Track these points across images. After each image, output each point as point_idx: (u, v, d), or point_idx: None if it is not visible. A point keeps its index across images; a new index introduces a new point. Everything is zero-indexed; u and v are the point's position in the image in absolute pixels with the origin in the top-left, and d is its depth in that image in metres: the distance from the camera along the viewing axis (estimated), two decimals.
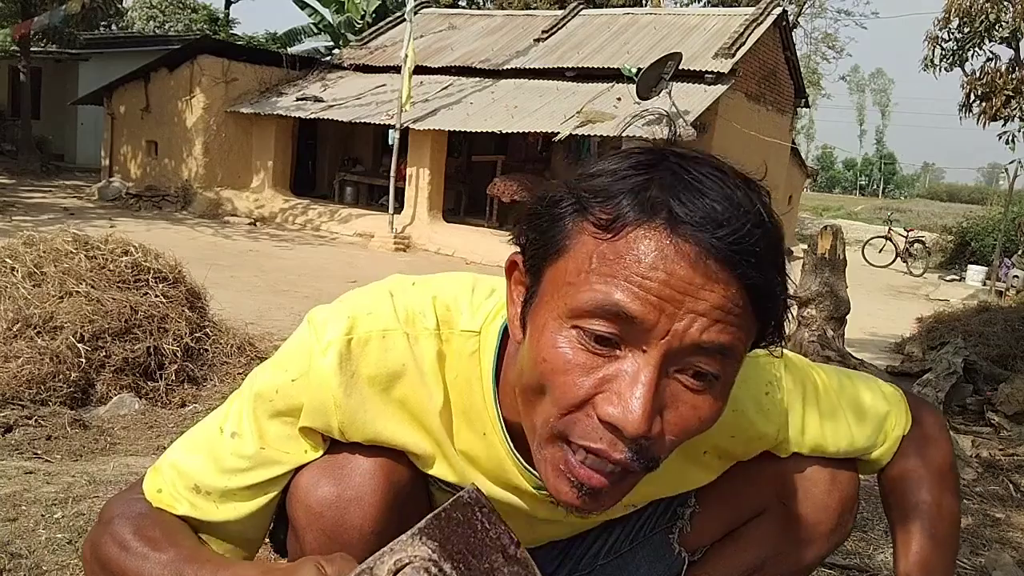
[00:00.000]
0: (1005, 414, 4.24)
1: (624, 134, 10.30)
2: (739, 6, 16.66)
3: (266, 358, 1.03)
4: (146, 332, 3.46)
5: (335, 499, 0.90)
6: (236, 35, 23.97)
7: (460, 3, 21.37)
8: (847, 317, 5.24)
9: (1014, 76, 9.22)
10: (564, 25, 14.15)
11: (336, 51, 17.94)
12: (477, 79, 13.23)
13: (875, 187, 59.14)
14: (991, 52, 9.54)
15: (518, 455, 0.91)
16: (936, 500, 1.06)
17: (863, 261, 16.15)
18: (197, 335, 3.65)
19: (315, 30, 20.82)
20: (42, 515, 1.89)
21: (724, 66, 11.60)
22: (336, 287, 7.12)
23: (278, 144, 13.63)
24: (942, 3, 9.44)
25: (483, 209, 12.87)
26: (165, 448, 1.11)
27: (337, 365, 0.87)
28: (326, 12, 19.91)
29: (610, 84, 11.99)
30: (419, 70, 12.35)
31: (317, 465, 0.92)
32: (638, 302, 0.69)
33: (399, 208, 12.17)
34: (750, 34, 12.41)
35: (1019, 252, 14.86)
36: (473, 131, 11.73)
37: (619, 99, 11.44)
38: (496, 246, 10.31)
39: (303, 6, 19.95)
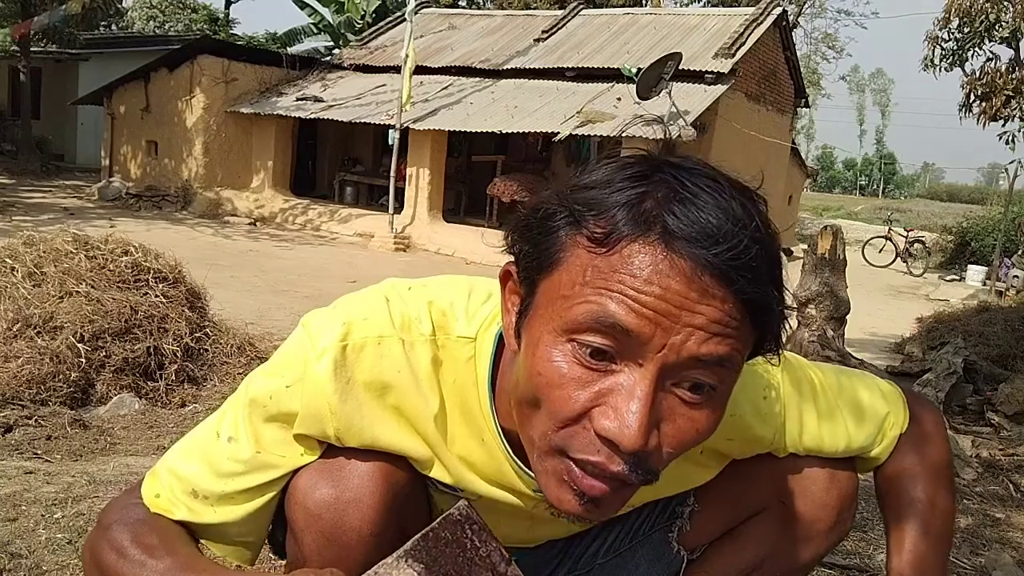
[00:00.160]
0: (1005, 414, 4.24)
1: (624, 134, 10.31)
2: (739, 6, 16.65)
3: (266, 358, 1.03)
4: (146, 332, 3.46)
5: (334, 501, 0.89)
6: (236, 35, 23.96)
7: (460, 3, 21.36)
8: (847, 317, 5.24)
9: (1014, 76, 9.21)
10: (564, 25, 14.15)
11: (336, 51, 17.93)
12: (477, 79, 13.23)
13: (875, 187, 59.12)
14: (991, 52, 9.52)
15: (516, 459, 0.91)
16: (931, 497, 1.07)
17: (863, 261, 16.12)
18: (197, 335, 3.65)
19: (315, 30, 20.82)
20: (42, 515, 1.90)
21: (724, 66, 11.60)
22: (336, 287, 7.12)
23: (278, 144, 13.63)
24: (942, 3, 9.42)
25: (483, 209, 12.86)
26: (165, 448, 1.11)
27: (332, 371, 0.86)
28: (326, 12, 19.91)
29: (610, 84, 11.99)
30: (419, 70, 12.34)
31: (315, 467, 0.91)
32: (633, 315, 0.68)
33: (399, 208, 12.16)
34: (750, 34, 12.41)
35: (1019, 252, 14.84)
36: (473, 131, 11.73)
37: (619, 99, 11.44)
38: (496, 246, 10.28)
39: (303, 6, 19.95)
